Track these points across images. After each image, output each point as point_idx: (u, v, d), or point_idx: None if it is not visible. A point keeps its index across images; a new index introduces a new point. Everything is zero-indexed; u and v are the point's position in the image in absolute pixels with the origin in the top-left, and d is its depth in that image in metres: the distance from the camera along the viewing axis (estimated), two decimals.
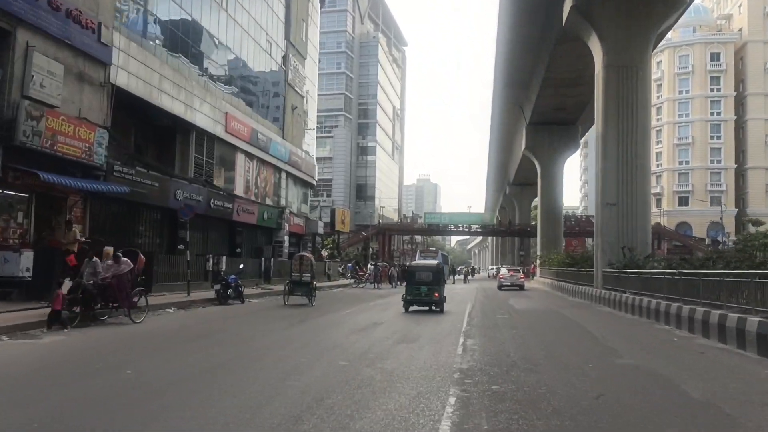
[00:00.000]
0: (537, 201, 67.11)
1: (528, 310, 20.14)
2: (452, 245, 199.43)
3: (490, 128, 66.56)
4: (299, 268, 20.09)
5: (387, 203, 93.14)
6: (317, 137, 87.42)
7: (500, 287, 35.75)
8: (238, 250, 29.48)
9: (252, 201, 30.87)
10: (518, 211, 78.65)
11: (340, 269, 47.13)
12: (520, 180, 71.52)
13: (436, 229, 77.82)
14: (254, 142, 30.54)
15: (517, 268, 46.83)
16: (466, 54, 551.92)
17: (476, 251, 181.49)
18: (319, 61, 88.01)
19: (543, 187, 49.88)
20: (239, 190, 29.55)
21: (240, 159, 29.62)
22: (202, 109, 24.74)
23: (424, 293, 17.34)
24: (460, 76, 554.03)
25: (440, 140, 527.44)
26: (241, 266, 22.56)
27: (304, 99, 39.77)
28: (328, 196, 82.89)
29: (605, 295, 21.61)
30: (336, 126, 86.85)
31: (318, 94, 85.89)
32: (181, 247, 23.76)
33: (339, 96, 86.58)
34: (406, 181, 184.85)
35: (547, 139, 48.36)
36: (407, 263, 65.43)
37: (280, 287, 21.70)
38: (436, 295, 17.29)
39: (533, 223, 77.69)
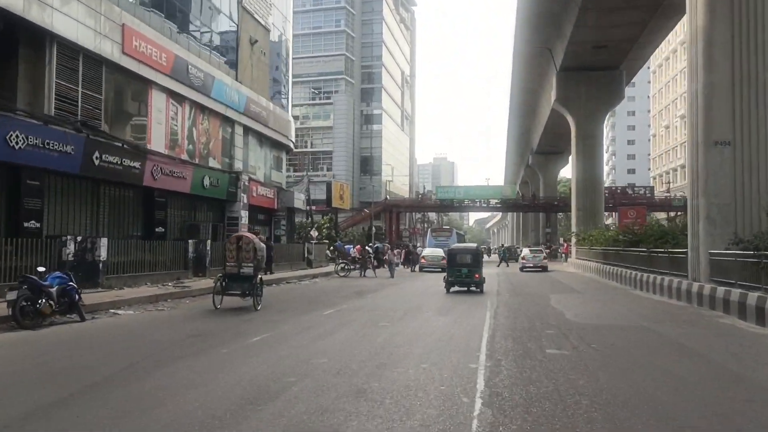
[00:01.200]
0: (566, 170, 58.07)
1: (598, 326, 11.13)
2: (470, 224, 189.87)
3: (511, 86, 56.91)
4: (236, 255, 13.62)
5: (398, 179, 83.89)
6: (315, 103, 78.91)
7: (522, 269, 35.19)
8: (160, 228, 20.83)
9: (182, 161, 22.12)
10: (543, 184, 69.37)
11: (328, 252, 38.53)
12: (545, 148, 62.66)
13: (450, 205, 68.48)
14: (182, 78, 21.63)
15: (539, 249, 41.50)
16: (482, 12, 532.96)
17: (495, 230, 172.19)
18: (316, 18, 79.44)
19: (578, 149, 40.36)
20: (158, 144, 20.75)
21: (157, 99, 20.72)
22: (69, 10, 15.86)
23: (465, 275, 18.09)
24: (474, 38, 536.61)
25: (455, 113, 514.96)
26: (70, 255, 13.80)
27: (272, 34, 30.70)
28: (329, 169, 73.93)
29: (720, 294, 12.70)
30: (336, 91, 77.26)
31: (315, 56, 77.03)
32: (32, 224, 15.19)
33: (339, 57, 76.87)
34: (423, 160, 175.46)
35: (584, 88, 38.96)
36: (416, 246, 57.11)
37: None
38: (476, 276, 18.05)
39: (561, 196, 68.54)
